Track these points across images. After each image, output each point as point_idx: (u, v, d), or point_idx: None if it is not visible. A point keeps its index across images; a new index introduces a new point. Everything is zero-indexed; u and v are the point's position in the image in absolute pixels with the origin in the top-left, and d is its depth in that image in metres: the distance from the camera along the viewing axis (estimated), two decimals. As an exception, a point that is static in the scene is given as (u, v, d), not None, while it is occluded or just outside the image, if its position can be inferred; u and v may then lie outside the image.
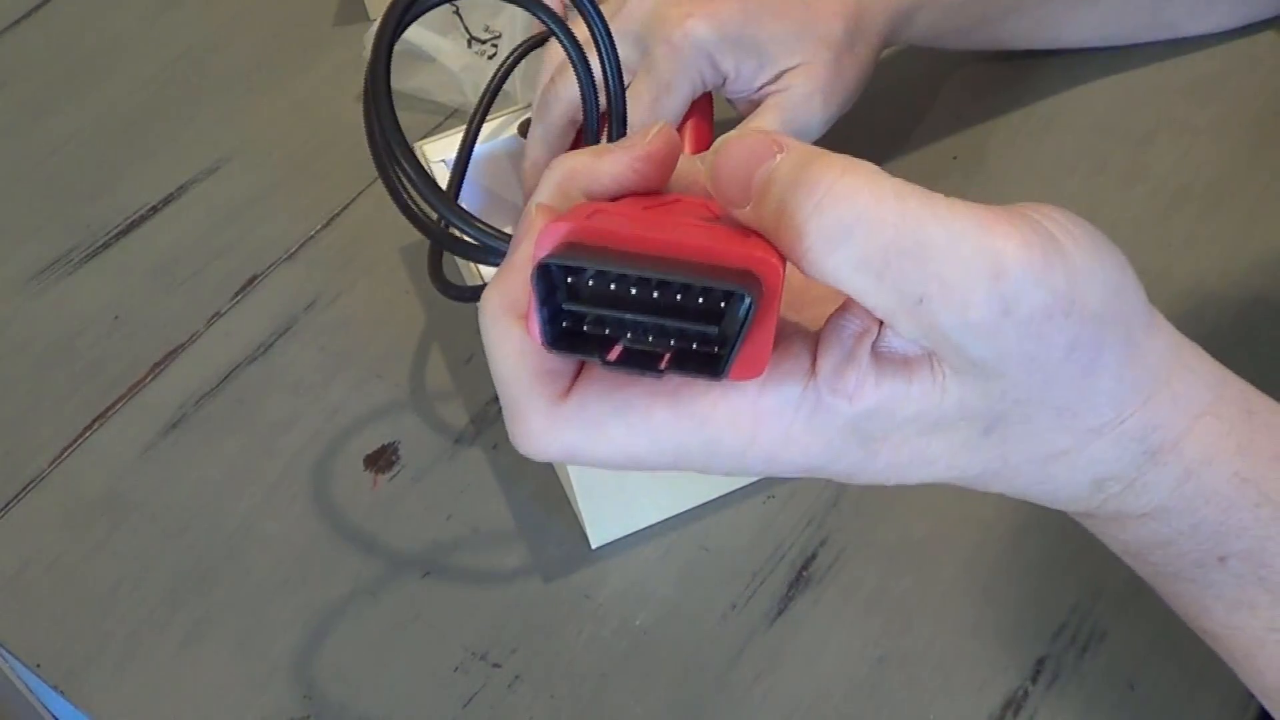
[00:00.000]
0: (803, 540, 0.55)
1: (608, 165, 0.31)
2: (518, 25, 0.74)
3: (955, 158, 0.70)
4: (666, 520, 0.56)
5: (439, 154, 0.65)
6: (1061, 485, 0.33)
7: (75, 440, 0.65)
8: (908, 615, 0.53)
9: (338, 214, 0.73)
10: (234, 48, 0.86)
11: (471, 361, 0.64)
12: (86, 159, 0.80)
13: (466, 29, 0.77)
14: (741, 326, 0.27)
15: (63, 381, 0.67)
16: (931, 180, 0.71)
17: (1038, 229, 0.28)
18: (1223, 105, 0.70)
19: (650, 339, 0.28)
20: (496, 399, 0.62)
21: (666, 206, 0.31)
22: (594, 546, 0.56)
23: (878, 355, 0.30)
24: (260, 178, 0.76)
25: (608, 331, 0.28)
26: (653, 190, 0.32)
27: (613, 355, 0.28)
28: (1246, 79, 0.71)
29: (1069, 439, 0.31)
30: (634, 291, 0.28)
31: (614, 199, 0.31)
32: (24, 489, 0.63)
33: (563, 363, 0.30)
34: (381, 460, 0.61)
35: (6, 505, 0.62)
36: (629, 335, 0.28)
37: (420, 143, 0.66)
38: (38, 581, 0.59)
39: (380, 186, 0.74)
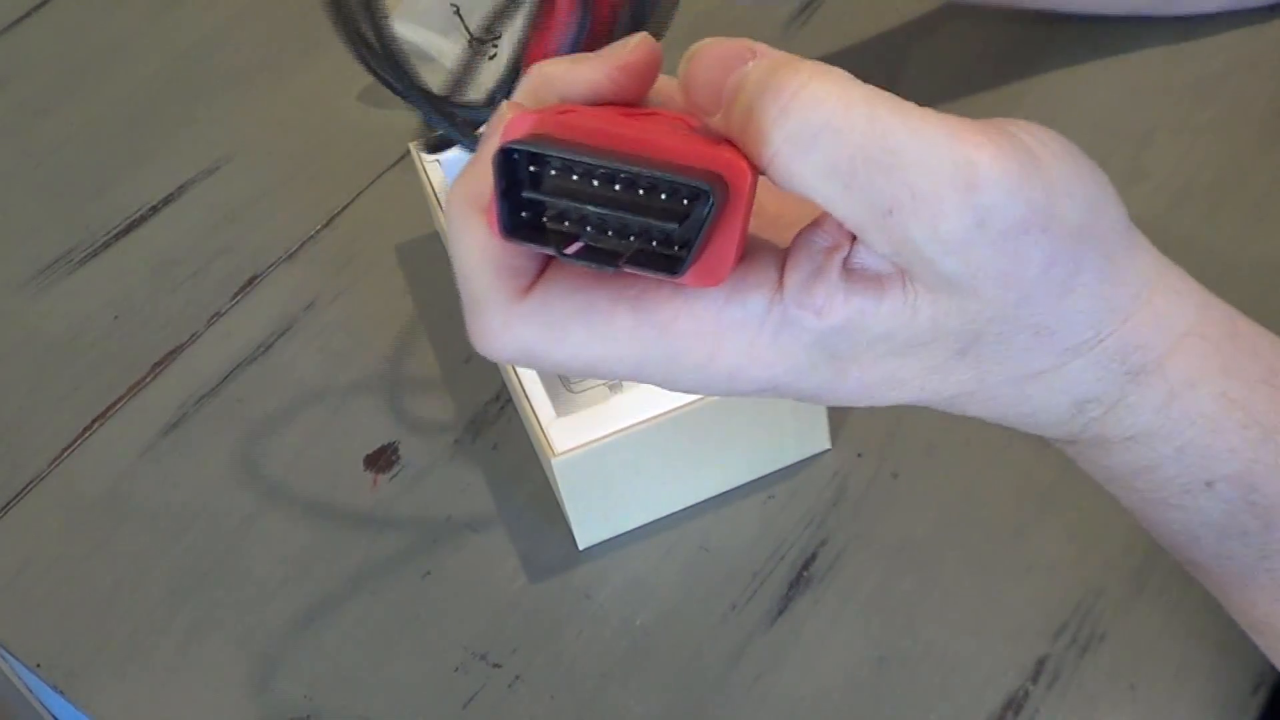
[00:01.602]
0: (803, 540, 0.55)
1: (585, 72, 0.30)
2: (518, 26, 0.73)
3: (955, 158, 0.69)
4: (666, 520, 0.56)
5: (435, 153, 0.65)
6: (1040, 407, 0.31)
7: (75, 440, 0.65)
8: (908, 615, 0.53)
9: (338, 214, 0.73)
10: (234, 47, 0.86)
11: (471, 361, 0.64)
12: (86, 159, 0.80)
13: (467, 29, 0.77)
14: (703, 225, 0.27)
15: (63, 381, 0.67)
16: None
17: (1015, 141, 0.27)
18: (1223, 105, 0.70)
19: (611, 234, 0.28)
20: (497, 399, 0.62)
21: (642, 117, 0.30)
22: (581, 548, 0.56)
23: (849, 271, 0.29)
24: (260, 178, 0.76)
25: (569, 225, 0.28)
26: (631, 103, 0.31)
27: (571, 249, 0.27)
28: (1247, 79, 0.71)
29: (1047, 359, 0.30)
30: (597, 185, 0.27)
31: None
32: (24, 489, 0.63)
33: (526, 259, 0.29)
34: (381, 460, 0.61)
35: (6, 505, 0.62)
36: (590, 230, 0.28)
37: (415, 142, 0.66)
38: (38, 581, 0.59)
39: (380, 186, 0.74)
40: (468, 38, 0.77)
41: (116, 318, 0.70)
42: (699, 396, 0.52)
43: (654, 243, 0.28)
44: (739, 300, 0.29)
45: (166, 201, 0.76)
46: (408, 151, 0.67)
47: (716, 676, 0.52)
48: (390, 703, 0.53)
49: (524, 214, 0.28)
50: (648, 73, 0.31)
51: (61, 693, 0.55)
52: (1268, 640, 0.33)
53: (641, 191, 0.27)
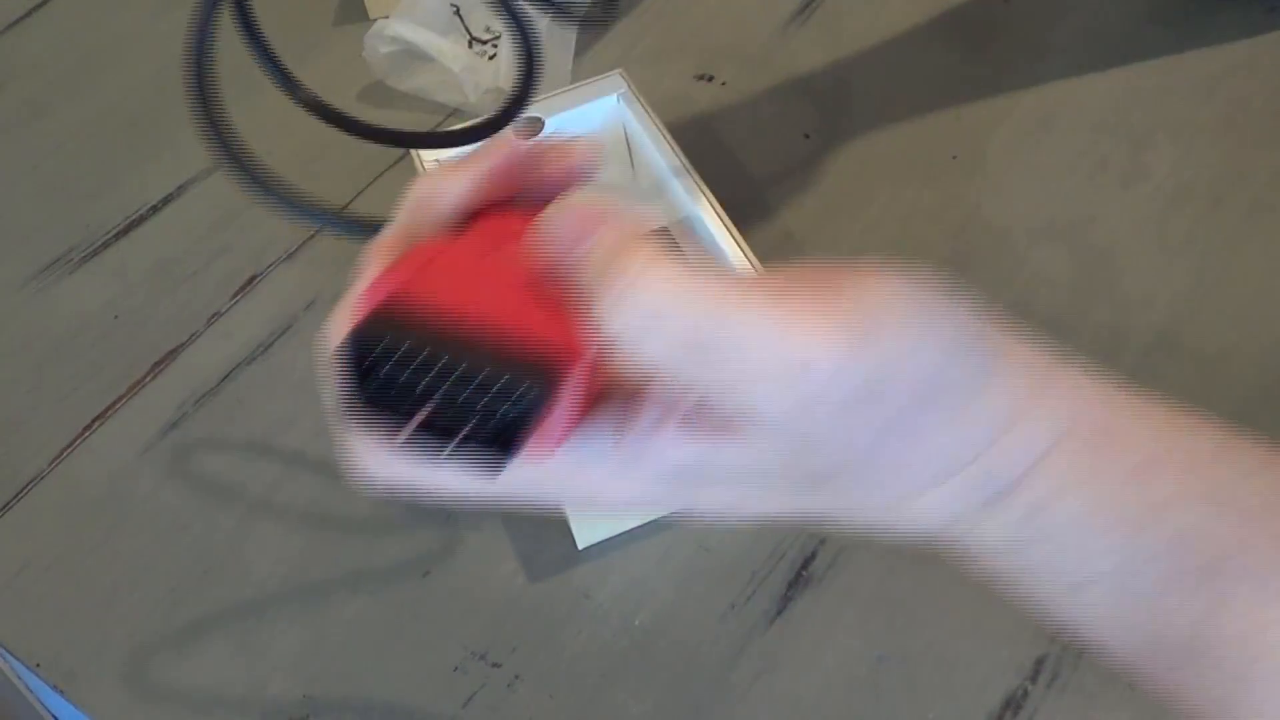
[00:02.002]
0: (802, 540, 0.55)
1: (454, 187, 0.32)
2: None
3: (955, 157, 0.70)
4: (665, 520, 0.56)
5: (434, 154, 0.65)
6: (904, 528, 0.32)
7: (75, 440, 0.65)
8: (907, 615, 0.53)
9: (336, 213, 0.73)
10: (234, 48, 0.86)
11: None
12: (86, 159, 0.80)
13: (467, 29, 0.77)
14: (533, 413, 0.28)
15: (63, 381, 0.67)
16: (932, 180, 0.71)
17: (852, 313, 0.28)
18: (1223, 105, 0.70)
19: (451, 413, 0.28)
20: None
21: (502, 263, 0.31)
22: (580, 548, 0.56)
23: (695, 414, 0.30)
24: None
25: (416, 396, 0.29)
26: (507, 196, 0.32)
27: (407, 431, 0.29)
28: (1246, 79, 0.71)
29: (903, 490, 0.30)
30: (440, 369, 0.28)
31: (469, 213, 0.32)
32: (24, 489, 0.63)
33: None
34: (381, 460, 0.61)
35: (6, 505, 0.62)
36: (432, 407, 0.28)
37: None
38: (38, 581, 0.59)
39: (380, 186, 0.74)
40: (468, 38, 0.77)
41: (116, 318, 0.70)
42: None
43: (492, 420, 0.29)
44: (589, 441, 0.30)
45: (166, 201, 0.76)
46: (406, 153, 0.67)
47: (715, 676, 0.52)
48: (389, 702, 0.53)
49: (372, 386, 0.29)
50: (514, 171, 0.32)
51: (61, 693, 0.55)
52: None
53: (480, 378, 0.28)
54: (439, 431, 0.28)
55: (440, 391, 0.28)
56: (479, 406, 0.28)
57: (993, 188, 0.68)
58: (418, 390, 0.28)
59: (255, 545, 0.59)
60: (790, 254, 0.66)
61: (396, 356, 0.28)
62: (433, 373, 0.28)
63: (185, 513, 0.61)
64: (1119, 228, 0.65)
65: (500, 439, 0.28)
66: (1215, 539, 0.29)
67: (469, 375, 0.28)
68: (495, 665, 0.53)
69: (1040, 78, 0.73)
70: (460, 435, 0.28)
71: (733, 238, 0.58)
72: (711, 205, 0.60)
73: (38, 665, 0.56)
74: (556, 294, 0.30)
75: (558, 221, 0.29)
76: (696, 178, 0.61)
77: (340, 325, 0.30)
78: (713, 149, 0.71)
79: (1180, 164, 0.67)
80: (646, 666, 0.52)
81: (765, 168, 0.71)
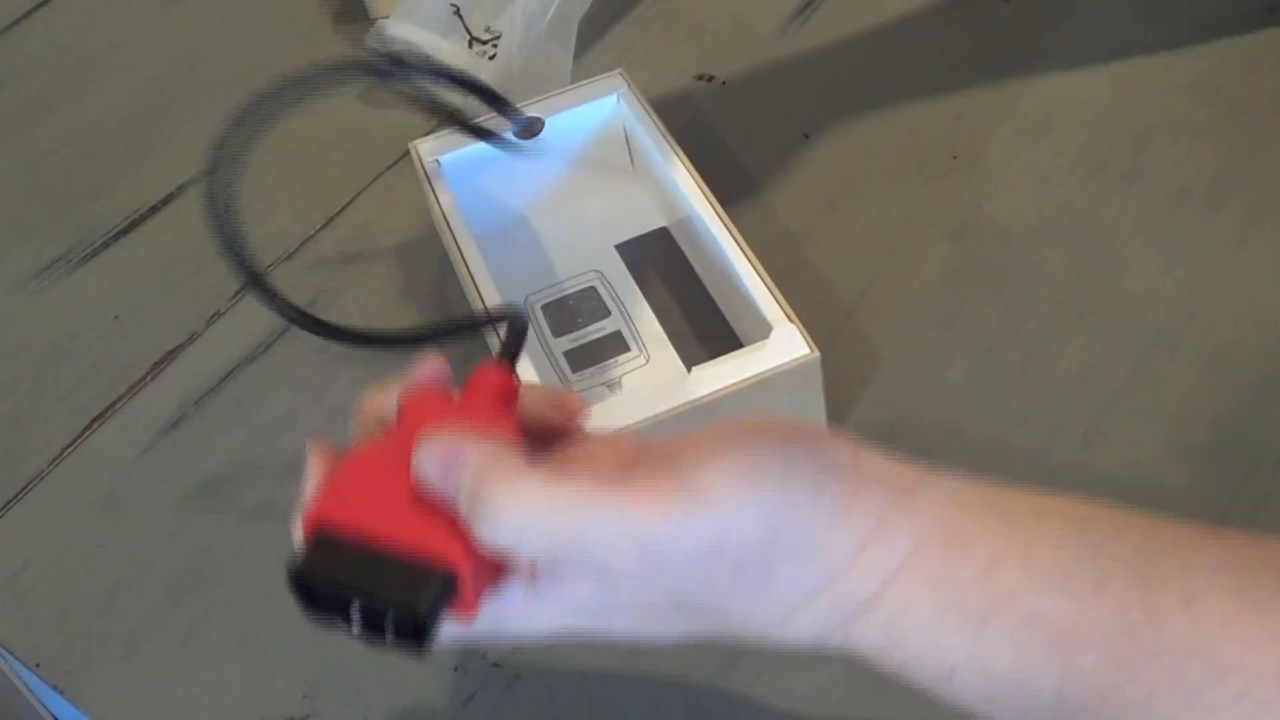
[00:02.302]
0: (802, 540, 0.55)
1: (388, 400, 0.40)
2: (518, 27, 0.74)
3: (955, 157, 0.70)
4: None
5: (434, 153, 0.65)
6: (790, 641, 0.36)
7: (75, 440, 0.65)
8: (907, 615, 0.52)
9: (337, 214, 0.73)
10: (234, 48, 0.86)
11: (470, 362, 0.64)
12: (86, 159, 0.80)
13: (467, 29, 0.77)
14: (443, 600, 0.35)
15: (63, 381, 0.67)
16: (932, 180, 0.71)
17: (681, 492, 0.33)
18: (1223, 105, 0.70)
19: (380, 613, 0.36)
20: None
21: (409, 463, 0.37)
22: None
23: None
24: (260, 178, 0.76)
25: (351, 603, 0.36)
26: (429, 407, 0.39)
27: (354, 627, 0.36)
28: (1246, 79, 0.71)
29: (766, 618, 0.35)
30: (366, 583, 0.36)
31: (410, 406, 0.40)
32: (24, 489, 0.63)
33: None
34: (381, 460, 0.61)
35: (6, 505, 0.62)
36: (363, 613, 0.36)
37: (415, 142, 0.66)
38: (38, 581, 0.59)
39: (379, 186, 0.74)
40: (468, 38, 0.77)
41: (116, 318, 0.70)
42: (698, 396, 0.52)
43: (412, 612, 0.35)
44: (504, 596, 0.37)
45: (166, 201, 0.76)
46: (407, 151, 0.67)
47: (716, 676, 0.52)
48: (390, 702, 0.53)
49: (317, 600, 0.37)
50: (437, 386, 0.40)
51: (61, 693, 0.55)
52: None
53: (399, 584, 0.35)
54: (377, 626, 0.36)
55: (369, 598, 0.36)
56: (402, 603, 0.35)
57: (993, 188, 0.68)
58: (350, 602, 0.36)
59: (255, 545, 0.59)
60: (790, 254, 0.66)
61: (330, 577, 0.36)
62: (361, 587, 0.36)
63: (185, 512, 0.61)
64: (1119, 228, 0.65)
65: (423, 624, 0.35)
66: (1056, 618, 0.33)
67: (389, 583, 0.35)
68: (495, 665, 0.53)
69: (1040, 78, 0.73)
70: (390, 630, 0.36)
71: (733, 238, 0.58)
72: (711, 205, 0.60)
73: (38, 665, 0.56)
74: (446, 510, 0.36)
75: (426, 458, 0.36)
76: (696, 177, 0.61)
77: (295, 532, 0.38)
78: (713, 149, 0.71)
79: (1180, 164, 0.67)
80: (647, 666, 0.52)
81: (765, 167, 0.71)
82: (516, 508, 0.34)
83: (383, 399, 0.40)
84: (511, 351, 0.42)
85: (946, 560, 0.34)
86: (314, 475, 0.39)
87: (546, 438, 0.41)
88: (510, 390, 0.41)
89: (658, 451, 0.36)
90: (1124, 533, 0.34)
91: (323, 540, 0.37)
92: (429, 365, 0.41)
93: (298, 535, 0.38)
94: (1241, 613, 0.32)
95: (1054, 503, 0.35)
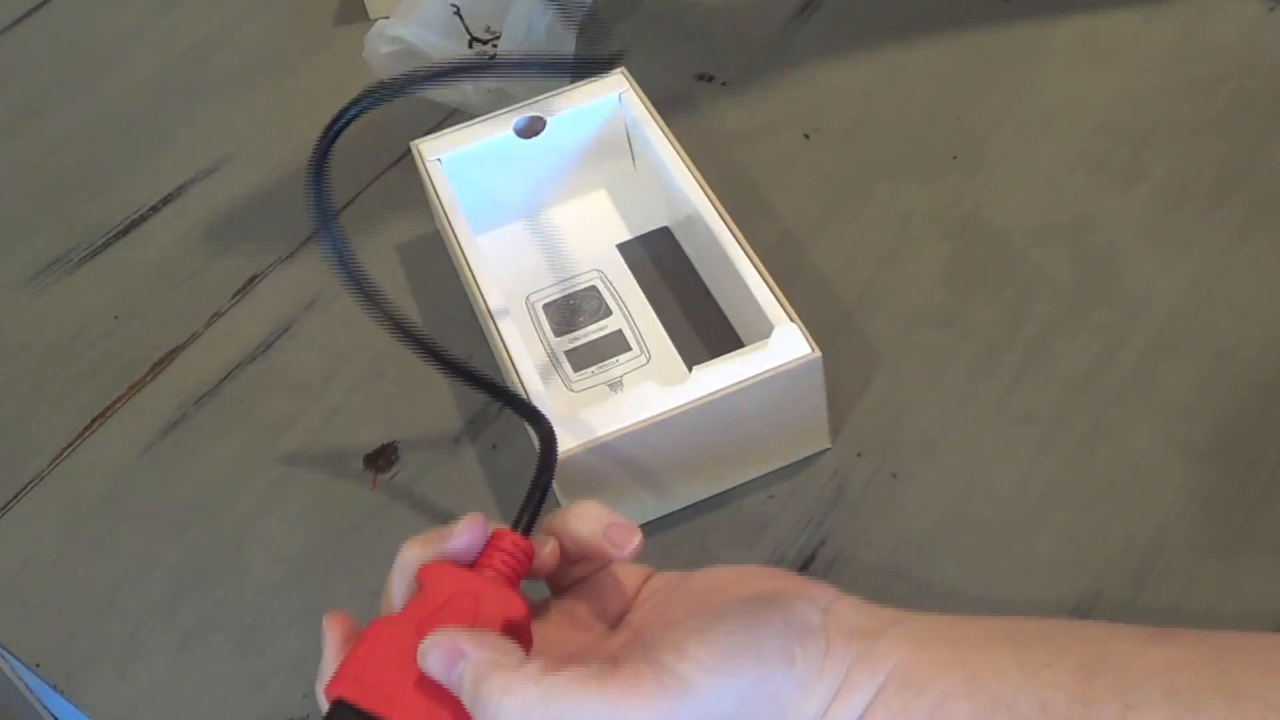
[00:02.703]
0: (802, 540, 0.55)
1: (417, 556, 0.42)
2: (518, 26, 0.74)
3: (955, 158, 0.70)
4: (666, 519, 0.56)
5: (435, 153, 0.65)
6: None
7: (75, 440, 0.65)
8: (908, 615, 0.52)
9: (337, 214, 0.73)
10: (234, 47, 0.86)
11: (472, 361, 0.64)
12: (86, 159, 0.80)
13: (467, 29, 0.77)
14: None
15: (63, 381, 0.67)
16: (931, 180, 0.71)
17: (661, 680, 0.36)
18: (1223, 105, 0.70)
19: None
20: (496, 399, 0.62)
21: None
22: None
23: None
24: (260, 178, 0.76)
25: None
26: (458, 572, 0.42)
27: None
28: (1246, 79, 0.71)
29: None
30: None
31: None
32: (24, 489, 0.63)
33: None
34: (381, 460, 0.61)
35: (6, 505, 0.62)
36: None
37: (417, 141, 0.66)
38: (38, 581, 0.59)
39: (380, 186, 0.74)
40: (468, 38, 0.77)
41: (116, 318, 0.70)
42: (700, 395, 0.52)
43: None
44: None
45: (166, 201, 0.76)
46: (407, 151, 0.67)
47: None
48: (390, 702, 0.53)
49: None
50: (474, 547, 0.42)
51: (61, 693, 0.55)
52: None
53: None
54: None
55: None
56: None
57: (993, 188, 0.68)
58: None
59: (255, 545, 0.59)
60: (790, 254, 0.66)
61: None
62: None
63: (185, 513, 0.61)
64: (1119, 228, 0.65)
65: None
66: None
67: None
68: (495, 665, 0.53)
69: (1040, 78, 0.73)
70: None
71: (734, 237, 0.58)
72: (712, 205, 0.60)
73: (38, 665, 0.56)
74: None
75: (431, 655, 0.39)
76: (697, 177, 0.61)
77: (320, 698, 0.41)
78: (713, 149, 0.71)
79: (1180, 164, 0.67)
80: (647, 666, 0.52)
81: (765, 168, 0.71)
82: (514, 706, 0.37)
83: (418, 552, 0.43)
84: (528, 520, 0.44)
85: (904, 697, 0.38)
86: (331, 647, 0.42)
87: (580, 558, 0.45)
88: (525, 559, 0.43)
89: (636, 645, 0.39)
90: (1066, 651, 0.37)
91: (342, 711, 0.40)
92: (467, 526, 0.43)
93: (322, 701, 0.41)
94: (1177, 715, 0.35)
95: (1002, 627, 0.39)
